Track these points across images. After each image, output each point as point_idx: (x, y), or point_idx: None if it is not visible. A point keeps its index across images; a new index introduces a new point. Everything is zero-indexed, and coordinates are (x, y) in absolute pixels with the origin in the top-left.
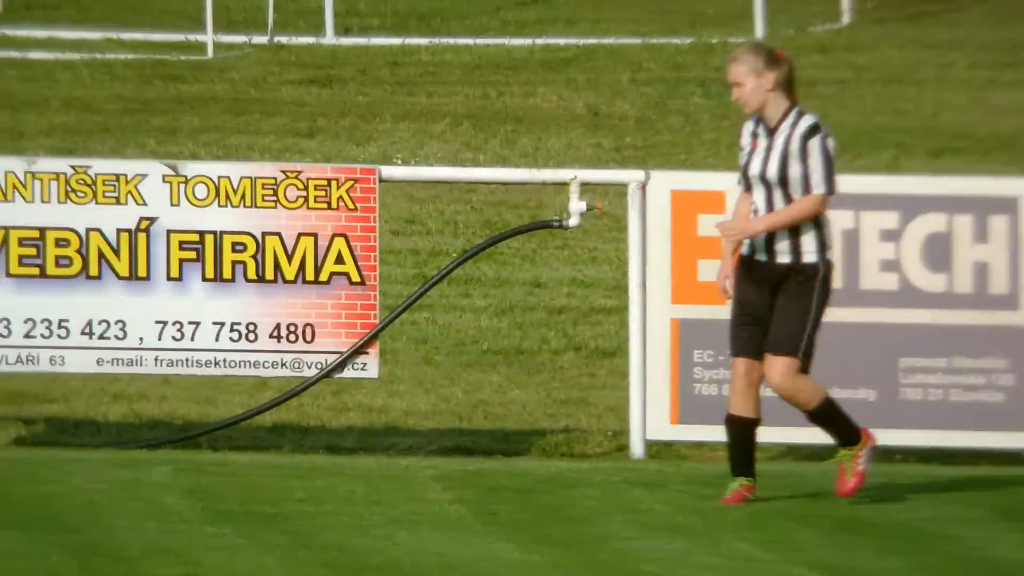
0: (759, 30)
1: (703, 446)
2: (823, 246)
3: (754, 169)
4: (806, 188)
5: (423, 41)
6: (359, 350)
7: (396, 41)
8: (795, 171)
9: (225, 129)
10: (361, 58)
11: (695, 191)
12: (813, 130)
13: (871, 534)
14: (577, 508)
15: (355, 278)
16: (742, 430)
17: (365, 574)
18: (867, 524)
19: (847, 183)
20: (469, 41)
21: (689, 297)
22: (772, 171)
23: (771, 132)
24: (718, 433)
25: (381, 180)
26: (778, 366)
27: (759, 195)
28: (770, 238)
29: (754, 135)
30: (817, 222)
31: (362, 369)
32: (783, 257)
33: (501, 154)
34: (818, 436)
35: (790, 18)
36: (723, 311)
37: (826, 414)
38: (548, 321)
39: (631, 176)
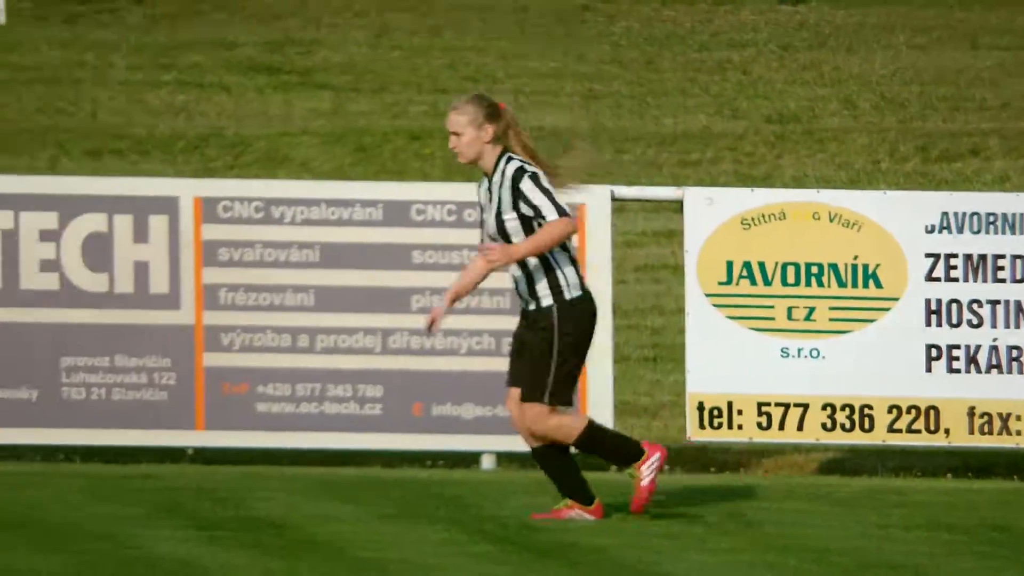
0: None
1: None
2: (558, 287)
3: (486, 228)
4: (530, 229)
5: None
6: None
7: None
8: (511, 221)
9: None
10: None
11: None
12: (519, 173)
13: (27, 534)
14: None
15: None
16: (541, 458)
17: None
18: (23, 523)
19: (7, 183)
20: None
21: None
22: (492, 228)
23: (490, 186)
24: None
25: None
26: (526, 412)
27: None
28: (518, 285)
29: (482, 191)
30: (548, 265)
31: None
32: (528, 304)
33: None
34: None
35: None
36: None
37: (588, 443)
38: None
39: None
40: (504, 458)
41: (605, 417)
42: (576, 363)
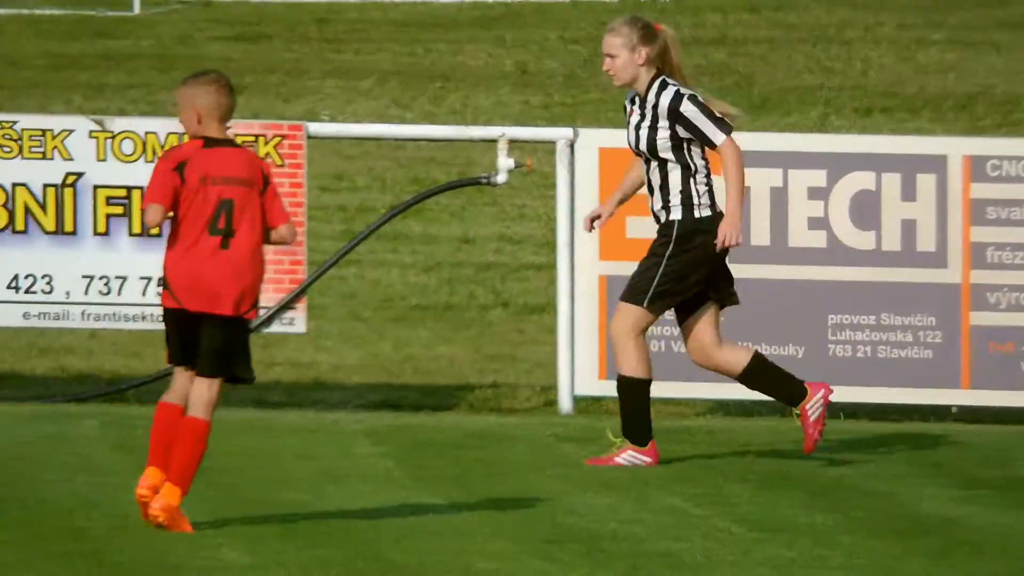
0: None
1: None
2: (689, 202)
3: (630, 142)
4: (680, 152)
5: None
6: (287, 305)
7: None
8: (662, 139)
9: (152, 85)
10: (289, 15)
11: (623, 149)
12: (677, 97)
13: (800, 489)
14: (505, 463)
15: None
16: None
17: (293, 528)
18: (796, 479)
19: (776, 141)
20: None
21: (617, 253)
22: (643, 143)
23: (642, 104)
24: None
25: (309, 136)
26: (618, 312)
27: (640, 164)
28: (652, 200)
29: (631, 103)
30: (684, 179)
31: (290, 324)
32: (659, 219)
33: (429, 111)
34: (747, 393)
35: None
36: None
37: (753, 377)
38: (476, 277)
39: (560, 134)
40: None
41: None
42: (686, 278)
